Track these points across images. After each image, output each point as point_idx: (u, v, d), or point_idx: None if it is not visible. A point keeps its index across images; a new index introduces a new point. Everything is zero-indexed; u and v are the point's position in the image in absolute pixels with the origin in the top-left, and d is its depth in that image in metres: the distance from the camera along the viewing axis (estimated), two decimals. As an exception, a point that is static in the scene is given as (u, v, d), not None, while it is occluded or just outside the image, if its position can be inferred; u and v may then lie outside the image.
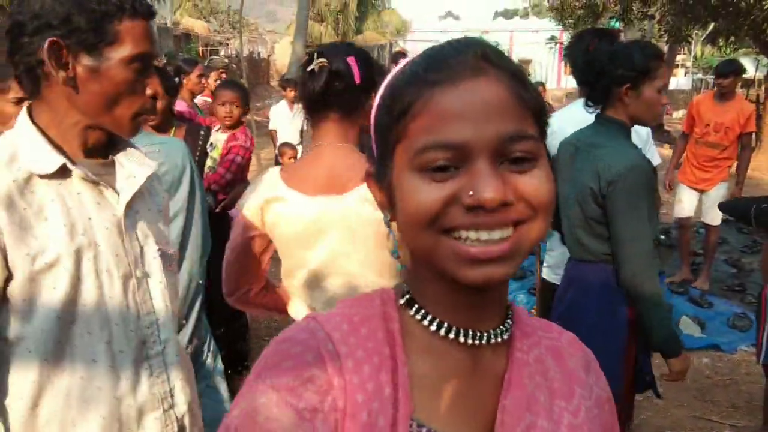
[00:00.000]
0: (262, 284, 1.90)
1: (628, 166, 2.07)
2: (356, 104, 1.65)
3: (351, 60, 1.60)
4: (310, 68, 1.60)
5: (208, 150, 3.98)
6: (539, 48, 25.00)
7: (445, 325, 0.69)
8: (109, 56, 1.12)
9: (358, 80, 1.61)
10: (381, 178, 0.70)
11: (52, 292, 1.09)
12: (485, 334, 0.70)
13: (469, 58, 0.64)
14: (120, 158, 1.25)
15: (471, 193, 0.60)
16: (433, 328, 0.69)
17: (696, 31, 14.96)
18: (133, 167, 1.26)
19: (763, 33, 9.62)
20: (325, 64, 1.59)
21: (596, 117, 2.28)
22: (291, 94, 7.52)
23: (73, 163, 1.17)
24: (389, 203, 0.69)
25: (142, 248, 1.25)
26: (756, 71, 16.82)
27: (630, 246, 2.07)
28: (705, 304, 5.00)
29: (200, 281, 2.27)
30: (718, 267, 5.95)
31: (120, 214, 1.21)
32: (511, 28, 34.92)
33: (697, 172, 5.32)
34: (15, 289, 1.07)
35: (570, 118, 2.81)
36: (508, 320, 0.73)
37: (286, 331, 0.70)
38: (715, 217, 5.26)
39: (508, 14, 47.83)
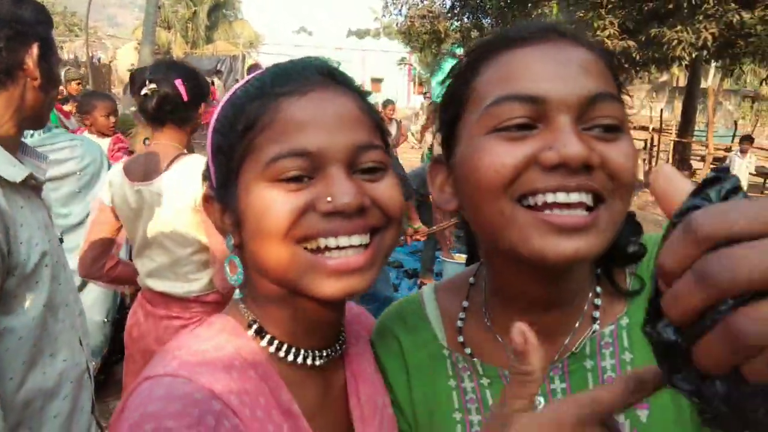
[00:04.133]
0: (114, 261, 2.23)
1: None
2: (186, 116, 2.07)
3: (178, 82, 2.00)
4: (143, 92, 1.97)
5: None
6: (390, 68, 26.16)
7: (302, 351, 0.67)
8: (53, 61, 1.28)
9: (185, 98, 2.01)
10: (225, 199, 0.66)
11: (38, 286, 1.21)
12: (327, 351, 0.70)
13: (314, 72, 0.64)
14: (26, 159, 1.36)
15: (329, 199, 0.59)
16: (290, 358, 0.67)
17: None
18: (37, 164, 1.38)
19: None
20: (156, 89, 1.97)
21: None
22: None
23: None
24: (234, 225, 0.65)
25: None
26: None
27: None
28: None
29: None
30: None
31: (48, 210, 1.35)
32: (364, 48, 36.01)
33: None
34: (9, 289, 1.16)
35: None
36: (342, 331, 0.74)
37: (154, 397, 0.59)
38: None
39: (360, 33, 49.29)
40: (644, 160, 17.13)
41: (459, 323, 0.79)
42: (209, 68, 22.02)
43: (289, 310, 0.65)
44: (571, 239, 0.56)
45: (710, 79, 23.70)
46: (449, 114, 0.66)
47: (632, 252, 0.71)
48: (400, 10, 16.04)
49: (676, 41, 9.12)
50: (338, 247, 0.59)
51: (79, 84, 6.81)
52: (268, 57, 27.41)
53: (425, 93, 20.21)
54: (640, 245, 0.71)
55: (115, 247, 2.21)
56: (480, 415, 0.75)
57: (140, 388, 0.62)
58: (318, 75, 0.64)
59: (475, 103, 0.61)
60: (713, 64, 12.61)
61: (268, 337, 0.67)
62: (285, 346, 0.67)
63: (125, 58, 27.10)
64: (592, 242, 0.57)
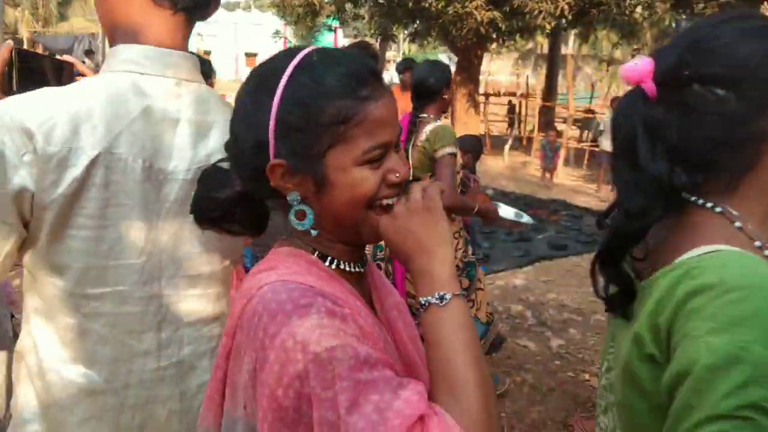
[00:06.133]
0: None
1: None
2: None
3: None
4: None
5: None
6: (265, 41, 25.41)
7: (350, 264, 0.95)
8: None
9: None
10: (304, 169, 0.86)
11: None
12: (362, 263, 0.99)
13: (375, 77, 0.87)
14: None
15: (397, 174, 0.87)
16: (345, 267, 0.94)
17: (402, 31, 16.86)
18: None
19: (450, 34, 11.35)
20: None
21: None
22: None
23: None
24: (310, 188, 0.87)
25: None
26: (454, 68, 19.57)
27: None
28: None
29: None
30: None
31: None
32: (235, 21, 34.63)
33: None
34: None
35: None
36: (364, 256, 1.03)
37: (280, 293, 0.81)
38: None
39: (230, 6, 47.34)
40: (511, 123, 18.09)
41: None
42: (65, 47, 20.28)
43: (342, 243, 0.93)
44: None
45: (570, 46, 25.28)
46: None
47: None
48: (271, -18, 15.56)
49: (537, 11, 9.65)
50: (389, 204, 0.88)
51: None
52: (131, 34, 25.41)
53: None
54: None
55: None
56: None
57: (260, 292, 0.82)
58: (378, 80, 0.88)
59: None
60: (572, 31, 13.47)
61: (328, 258, 0.93)
62: (339, 261, 0.94)
63: (-36, 39, 24.29)
64: None
